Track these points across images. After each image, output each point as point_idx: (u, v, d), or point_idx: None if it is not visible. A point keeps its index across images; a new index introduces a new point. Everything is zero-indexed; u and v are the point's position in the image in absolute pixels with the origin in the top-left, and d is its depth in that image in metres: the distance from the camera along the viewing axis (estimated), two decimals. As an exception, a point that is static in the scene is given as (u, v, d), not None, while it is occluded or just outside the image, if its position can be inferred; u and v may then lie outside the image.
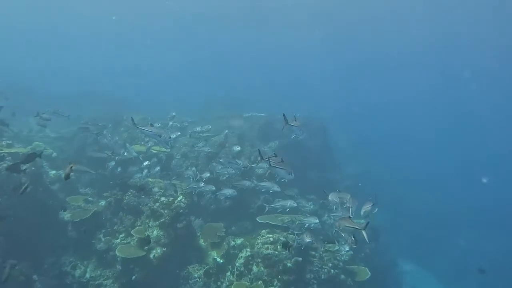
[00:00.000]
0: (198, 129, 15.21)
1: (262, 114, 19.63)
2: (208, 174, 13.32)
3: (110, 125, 15.30)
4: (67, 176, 7.33)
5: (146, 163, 12.30)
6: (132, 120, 9.03)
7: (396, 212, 21.57)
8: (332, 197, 10.47)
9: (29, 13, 52.86)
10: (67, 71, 42.96)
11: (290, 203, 11.33)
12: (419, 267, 20.18)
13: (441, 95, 57.15)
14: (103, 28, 57.69)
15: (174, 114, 15.31)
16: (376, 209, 9.35)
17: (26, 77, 29.04)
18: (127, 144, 13.88)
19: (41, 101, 20.32)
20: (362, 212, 9.82)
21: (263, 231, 11.52)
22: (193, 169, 13.30)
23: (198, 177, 12.72)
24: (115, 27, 57.75)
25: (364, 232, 7.00)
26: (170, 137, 9.59)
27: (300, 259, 10.56)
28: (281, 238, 10.99)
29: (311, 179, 16.46)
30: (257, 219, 12.18)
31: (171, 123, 15.32)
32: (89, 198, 13.24)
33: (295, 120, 9.57)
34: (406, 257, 19.67)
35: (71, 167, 7.26)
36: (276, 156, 9.34)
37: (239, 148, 11.94)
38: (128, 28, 57.68)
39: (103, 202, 12.51)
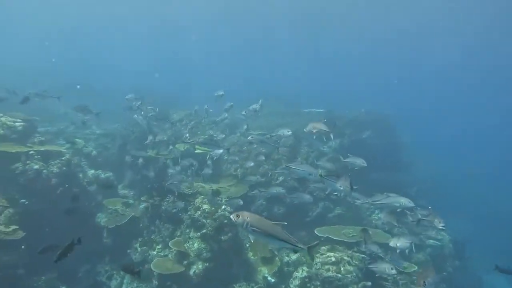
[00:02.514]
0: (253, 107, 11.60)
1: (321, 110, 17.61)
2: (252, 164, 11.78)
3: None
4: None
5: (188, 164, 10.78)
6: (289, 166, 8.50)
7: (478, 220, 18.67)
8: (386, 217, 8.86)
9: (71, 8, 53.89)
10: (113, 67, 43.28)
11: (404, 201, 8.37)
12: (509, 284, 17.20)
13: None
14: (149, 24, 57.82)
15: (222, 93, 11.72)
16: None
17: (71, 73, 29.00)
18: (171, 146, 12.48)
19: (88, 96, 19.61)
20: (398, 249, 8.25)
21: (323, 247, 9.55)
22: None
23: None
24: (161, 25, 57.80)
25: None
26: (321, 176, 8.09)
27: (370, 283, 8.58)
28: (345, 258, 9.01)
29: (376, 181, 14.21)
30: (315, 232, 10.23)
31: (206, 106, 12.98)
32: (130, 201, 12.07)
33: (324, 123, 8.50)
34: (494, 273, 16.73)
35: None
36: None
37: (290, 132, 9.85)
38: (173, 23, 57.27)
39: (143, 206, 11.24)
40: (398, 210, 8.11)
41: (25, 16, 53.74)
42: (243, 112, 10.42)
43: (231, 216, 5.06)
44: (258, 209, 11.66)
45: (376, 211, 12.17)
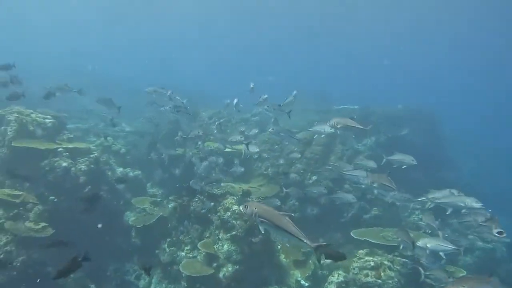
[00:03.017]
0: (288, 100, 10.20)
1: (355, 107, 16.74)
2: (282, 161, 11.69)
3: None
4: None
5: (215, 162, 10.31)
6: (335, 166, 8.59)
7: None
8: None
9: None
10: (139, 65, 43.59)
11: (469, 201, 7.22)
12: None
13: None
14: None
15: (252, 86, 10.49)
16: None
17: (109, 72, 29.22)
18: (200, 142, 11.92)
19: (123, 95, 19.54)
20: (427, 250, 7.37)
21: (361, 251, 8.91)
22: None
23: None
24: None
25: None
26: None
27: (413, 291, 7.92)
28: (385, 262, 8.35)
29: (417, 181, 13.37)
30: (352, 234, 9.61)
31: (235, 100, 11.05)
32: (158, 199, 11.83)
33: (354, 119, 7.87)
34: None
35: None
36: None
37: (332, 130, 8.94)
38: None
39: (171, 205, 10.97)
40: (463, 211, 7.30)
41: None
42: (266, 107, 9.68)
43: (240, 207, 4.95)
44: (290, 209, 11.15)
45: (416, 212, 11.38)
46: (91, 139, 14.04)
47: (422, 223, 9.36)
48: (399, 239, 7.89)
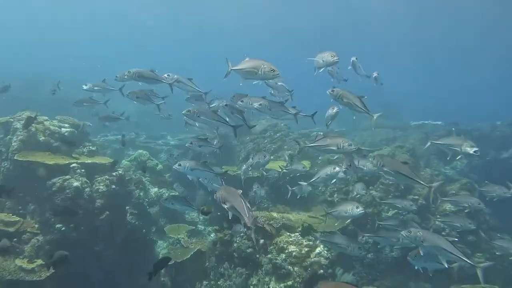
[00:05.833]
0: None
1: (439, 123, 14.15)
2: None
3: None
4: None
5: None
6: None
7: None
8: None
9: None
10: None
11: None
12: None
13: None
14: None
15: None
16: None
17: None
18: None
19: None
20: None
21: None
22: None
23: None
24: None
25: None
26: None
27: None
28: None
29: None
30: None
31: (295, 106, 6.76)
32: (199, 227, 9.84)
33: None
34: None
35: None
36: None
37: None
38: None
39: (212, 237, 8.92)
40: None
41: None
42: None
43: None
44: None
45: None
46: (129, 153, 12.48)
47: None
48: None
